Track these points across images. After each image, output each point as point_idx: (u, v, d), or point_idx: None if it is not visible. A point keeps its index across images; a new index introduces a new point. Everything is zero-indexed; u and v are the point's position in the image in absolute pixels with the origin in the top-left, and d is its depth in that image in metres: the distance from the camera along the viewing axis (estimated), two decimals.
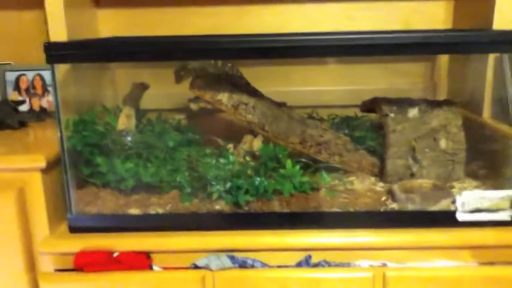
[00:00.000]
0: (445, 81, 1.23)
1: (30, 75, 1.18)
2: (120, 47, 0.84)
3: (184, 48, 0.86)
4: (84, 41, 0.96)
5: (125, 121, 1.00)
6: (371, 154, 1.04)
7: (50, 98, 1.18)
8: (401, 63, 1.25)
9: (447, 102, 1.03)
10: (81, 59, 0.86)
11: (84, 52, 0.83)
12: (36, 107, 1.18)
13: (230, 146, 1.00)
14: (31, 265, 0.91)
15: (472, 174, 1.01)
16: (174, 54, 0.85)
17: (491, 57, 1.03)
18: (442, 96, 1.22)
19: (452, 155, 0.99)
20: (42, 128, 1.10)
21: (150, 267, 0.90)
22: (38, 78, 1.17)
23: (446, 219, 0.89)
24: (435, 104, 1.02)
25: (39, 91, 1.18)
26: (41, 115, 1.16)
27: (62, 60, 0.86)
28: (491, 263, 0.87)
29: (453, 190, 0.95)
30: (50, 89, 1.18)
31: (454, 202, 0.89)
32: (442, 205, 0.90)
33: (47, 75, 1.17)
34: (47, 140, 1.00)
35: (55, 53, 0.83)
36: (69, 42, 0.94)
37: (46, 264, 0.91)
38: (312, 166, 0.96)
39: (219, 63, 0.98)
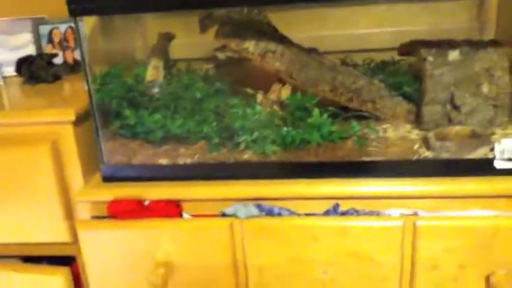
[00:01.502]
0: (494, 19, 1.12)
1: (62, 28, 1.19)
2: None
3: None
4: None
5: (153, 73, 1.00)
6: (407, 100, 0.99)
7: None
8: (443, 1, 1.16)
9: (493, 43, 0.95)
10: (105, 10, 0.85)
11: (106, 3, 0.82)
12: (69, 60, 1.20)
13: (258, 95, 0.98)
14: (69, 213, 0.96)
15: None
16: (199, 2, 0.82)
17: None
18: (489, 37, 1.13)
19: (495, 100, 0.93)
20: (76, 81, 1.12)
21: (180, 215, 0.92)
22: (70, 30, 1.19)
23: (483, 168, 0.84)
24: (479, 46, 0.94)
25: (71, 43, 1.19)
26: (74, 68, 1.18)
27: (85, 12, 0.85)
28: None
29: (494, 137, 0.89)
30: None
31: (492, 150, 0.84)
32: (479, 153, 0.85)
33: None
34: (79, 93, 1.02)
35: (76, 5, 0.83)
36: None
37: (83, 212, 0.96)
38: (341, 114, 0.92)
39: (245, 9, 0.95)
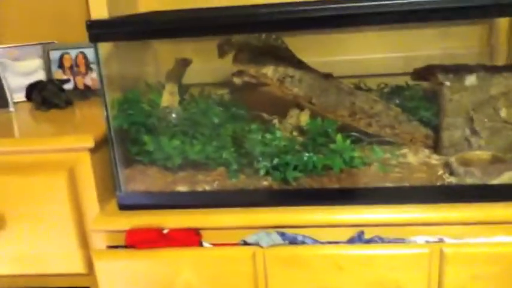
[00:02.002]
0: (505, 44, 1.14)
1: (73, 53, 1.18)
2: (163, 23, 0.82)
3: (228, 23, 0.82)
4: (126, 17, 0.94)
5: (169, 98, 0.99)
6: (424, 125, 0.99)
7: (94, 75, 1.18)
8: (453, 26, 1.17)
9: (508, 68, 0.96)
10: (125, 36, 0.84)
11: (127, 30, 0.82)
12: (80, 86, 1.19)
13: (275, 120, 0.97)
14: (84, 242, 0.93)
15: None
16: (217, 29, 0.82)
17: None
18: (500, 61, 1.14)
19: None
20: (88, 107, 1.11)
21: (200, 244, 0.90)
22: (81, 56, 1.18)
23: (508, 193, 0.84)
24: (494, 70, 0.95)
25: (82, 69, 1.18)
26: (85, 93, 1.17)
27: (105, 38, 0.84)
28: None
29: None
30: (93, 66, 1.18)
31: None
32: (504, 178, 0.85)
33: (89, 53, 1.17)
34: (93, 119, 1.01)
35: (98, 31, 0.82)
36: (111, 20, 0.92)
37: (98, 241, 0.93)
38: (362, 140, 0.92)
39: (263, 35, 0.94)
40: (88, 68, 1.18)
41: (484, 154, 0.92)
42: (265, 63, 0.93)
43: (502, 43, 1.14)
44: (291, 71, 0.94)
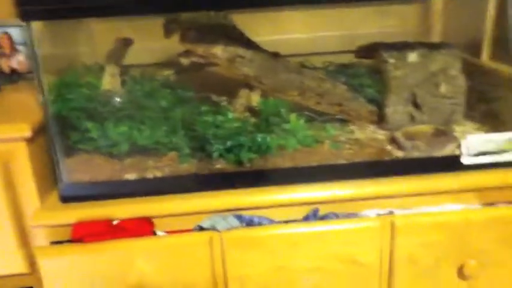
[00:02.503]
0: (439, 23, 1.19)
1: None
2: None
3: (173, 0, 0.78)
4: None
5: (110, 80, 0.93)
6: (369, 102, 1.01)
7: (20, 57, 1.08)
8: (392, 5, 1.20)
9: (445, 45, 1.00)
10: (60, 15, 0.77)
11: (64, 6, 0.74)
12: (5, 69, 1.08)
13: (226, 101, 0.95)
14: (24, 240, 0.86)
15: (471, 117, 1.00)
16: (164, 7, 0.77)
17: None
18: (435, 39, 1.19)
19: (452, 99, 0.98)
20: (17, 92, 1.01)
21: (154, 233, 0.86)
22: (5, 36, 1.06)
23: (452, 164, 0.89)
24: (433, 48, 0.99)
25: (7, 51, 1.07)
26: (12, 77, 1.06)
27: (38, 16, 0.76)
28: (496, 204, 0.88)
29: (455, 134, 0.94)
30: (19, 47, 1.08)
31: (458, 147, 0.89)
32: (448, 150, 0.89)
33: (14, 32, 1.06)
34: (26, 106, 0.92)
35: (30, 8, 0.74)
36: None
37: (40, 238, 0.86)
38: (313, 119, 0.92)
39: (211, 13, 0.91)
40: (14, 50, 1.07)
41: (427, 128, 0.96)
42: (215, 43, 0.90)
43: (437, 22, 1.20)
44: (241, 50, 0.92)
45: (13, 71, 1.08)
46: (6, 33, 1.06)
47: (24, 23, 0.77)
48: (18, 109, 0.93)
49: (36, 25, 0.82)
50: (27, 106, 0.92)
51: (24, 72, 1.09)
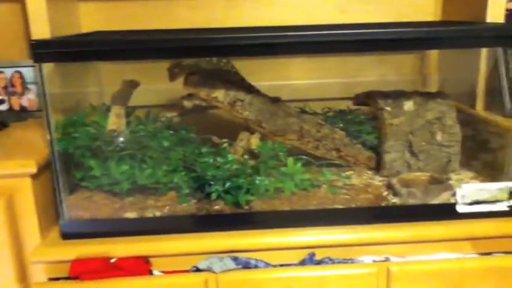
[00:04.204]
0: (435, 73, 1.23)
1: (8, 72, 1.11)
2: (113, 45, 0.80)
3: (178, 47, 0.82)
4: (73, 38, 0.90)
5: (115, 121, 0.96)
6: (366, 148, 1.04)
7: (31, 96, 1.12)
8: (390, 55, 1.25)
9: (441, 95, 1.03)
10: (72, 58, 0.81)
11: (75, 51, 0.78)
12: (16, 106, 1.12)
13: (226, 144, 0.97)
14: (22, 275, 0.86)
15: (467, 166, 1.02)
16: (168, 53, 0.82)
17: (484, 50, 1.04)
18: (431, 88, 1.23)
19: (448, 147, 1.00)
20: (25, 129, 1.04)
21: (150, 272, 0.87)
22: (17, 75, 1.11)
23: (447, 212, 0.90)
24: (429, 97, 1.02)
25: (18, 89, 1.11)
26: (21, 115, 1.10)
27: (50, 59, 0.80)
28: (491, 253, 0.89)
29: (451, 182, 0.96)
30: (29, 87, 1.12)
31: (453, 195, 0.90)
32: (443, 198, 0.91)
33: (26, 72, 1.11)
34: (33, 143, 0.95)
35: (42, 51, 0.78)
36: (56, 40, 0.88)
37: (38, 274, 0.87)
38: (312, 163, 0.94)
39: (214, 59, 0.95)
40: (24, 88, 1.11)
41: (423, 175, 0.98)
42: (216, 87, 0.93)
43: (433, 72, 1.24)
44: (241, 94, 0.95)
45: (23, 109, 1.12)
46: (18, 72, 1.11)
47: (35, 64, 0.80)
48: (25, 145, 0.96)
49: (47, 66, 0.86)
50: (34, 143, 0.95)
51: (34, 110, 1.13)
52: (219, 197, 0.90)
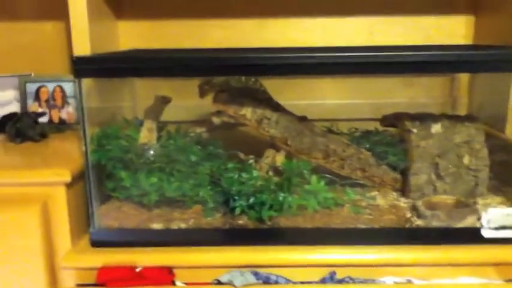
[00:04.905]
0: (465, 96, 1.22)
1: (50, 86, 1.18)
2: (148, 62, 0.84)
3: (210, 65, 0.85)
4: (110, 55, 0.96)
5: (147, 135, 1.00)
6: (392, 169, 1.04)
7: (70, 109, 1.18)
8: (419, 77, 1.25)
9: (470, 118, 1.03)
10: (109, 74, 0.86)
11: (112, 67, 0.83)
12: (55, 119, 1.18)
13: (252, 160, 1.00)
14: (52, 280, 0.90)
15: (495, 190, 1.01)
16: (199, 71, 0.85)
17: None
18: (460, 111, 1.22)
19: (475, 171, 0.99)
20: (63, 140, 1.10)
21: (173, 283, 0.89)
22: (58, 89, 1.18)
23: (472, 236, 0.88)
24: (458, 120, 1.02)
25: (59, 103, 1.18)
26: (60, 127, 1.16)
27: (89, 74, 0.85)
28: None
29: (477, 206, 0.95)
30: (69, 100, 1.18)
31: (479, 219, 0.89)
32: (468, 222, 0.89)
33: (67, 86, 1.18)
34: (69, 153, 1.00)
35: (82, 67, 0.83)
36: (96, 57, 0.93)
37: (67, 279, 0.90)
38: (335, 181, 0.95)
39: (243, 77, 0.98)
40: (65, 102, 1.18)
41: (449, 198, 0.97)
42: (244, 105, 0.96)
43: (463, 95, 1.23)
44: (268, 113, 0.98)
45: (62, 121, 1.18)
46: (59, 86, 1.17)
47: (75, 79, 0.85)
48: (61, 156, 1.01)
49: (85, 82, 0.91)
50: (70, 153, 1.00)
51: (72, 122, 1.19)
52: (243, 212, 0.92)
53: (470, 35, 1.21)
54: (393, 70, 0.89)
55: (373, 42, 1.22)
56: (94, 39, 1.04)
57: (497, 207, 0.95)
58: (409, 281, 0.88)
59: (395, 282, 0.88)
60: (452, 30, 1.21)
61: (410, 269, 0.88)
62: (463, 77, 1.23)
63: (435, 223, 0.90)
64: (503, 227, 0.87)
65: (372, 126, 1.16)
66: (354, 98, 1.27)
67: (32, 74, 1.19)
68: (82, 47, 1.01)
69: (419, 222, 0.91)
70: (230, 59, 0.86)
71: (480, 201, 0.98)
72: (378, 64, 0.86)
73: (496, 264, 0.87)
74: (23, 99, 1.16)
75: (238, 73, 0.94)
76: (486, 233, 0.88)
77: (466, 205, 0.93)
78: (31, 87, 1.17)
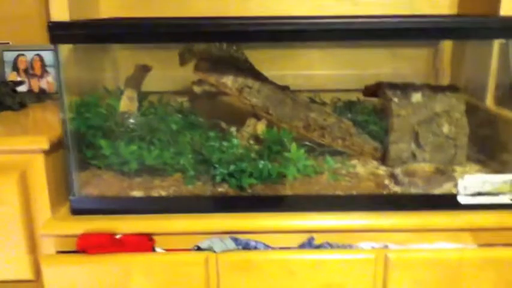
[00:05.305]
0: (448, 66, 1.22)
1: (29, 55, 1.16)
2: (126, 28, 0.83)
3: (191, 31, 0.84)
4: (89, 21, 0.94)
5: (127, 103, 0.99)
6: (373, 138, 1.04)
7: (49, 79, 1.17)
8: (403, 48, 1.25)
9: (451, 88, 1.03)
10: (87, 40, 0.84)
11: (90, 33, 0.82)
12: (35, 88, 1.17)
13: (233, 129, 1.00)
14: (33, 247, 0.90)
15: (473, 159, 1.02)
16: (180, 36, 0.84)
17: (496, 43, 1.03)
18: (444, 81, 1.22)
19: (454, 140, 1.00)
20: (43, 110, 1.09)
21: (153, 249, 0.90)
22: (37, 58, 1.16)
23: (448, 203, 0.90)
24: (438, 90, 1.02)
25: (38, 72, 1.16)
26: (40, 96, 1.15)
27: (67, 40, 0.84)
28: (491, 245, 0.89)
29: (455, 174, 0.96)
30: (49, 69, 1.16)
31: (456, 186, 0.90)
32: (445, 189, 0.91)
33: (46, 55, 1.16)
34: (48, 122, 0.99)
35: (60, 33, 0.82)
36: (74, 23, 0.92)
37: (48, 246, 0.91)
38: (315, 150, 0.96)
39: (224, 45, 0.97)
40: (44, 71, 1.16)
41: (427, 166, 0.98)
42: (225, 73, 0.96)
43: (446, 67, 1.23)
44: (249, 81, 0.97)
45: (41, 91, 1.17)
46: (38, 55, 1.16)
47: (53, 45, 0.84)
48: (40, 124, 1.00)
49: (64, 50, 0.90)
50: (50, 123, 0.99)
51: (52, 92, 1.17)
52: (223, 179, 0.92)
53: (455, 6, 1.20)
54: (377, 36, 0.88)
55: (356, 13, 1.21)
56: (73, 6, 1.02)
57: (475, 174, 0.96)
58: (386, 246, 0.89)
59: (373, 247, 0.89)
60: (437, 1, 1.20)
61: (388, 235, 0.89)
62: (447, 48, 1.23)
63: (413, 190, 0.91)
64: (479, 194, 0.89)
65: (355, 96, 1.16)
66: (339, 69, 1.26)
67: (10, 43, 1.17)
68: (60, 14, 0.99)
69: (397, 189, 0.92)
70: (211, 25, 0.85)
71: (458, 169, 0.99)
72: (362, 31, 0.85)
73: (472, 230, 0.88)
74: (1, 68, 1.14)
75: (219, 39, 0.93)
76: (462, 200, 0.89)
77: (443, 172, 0.94)
78: (9, 56, 1.15)
